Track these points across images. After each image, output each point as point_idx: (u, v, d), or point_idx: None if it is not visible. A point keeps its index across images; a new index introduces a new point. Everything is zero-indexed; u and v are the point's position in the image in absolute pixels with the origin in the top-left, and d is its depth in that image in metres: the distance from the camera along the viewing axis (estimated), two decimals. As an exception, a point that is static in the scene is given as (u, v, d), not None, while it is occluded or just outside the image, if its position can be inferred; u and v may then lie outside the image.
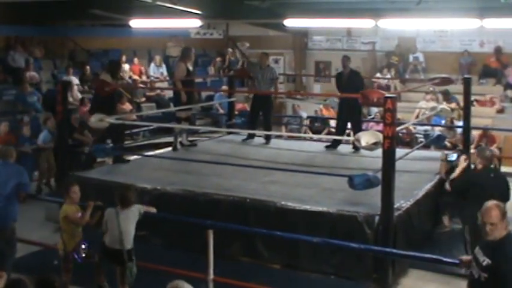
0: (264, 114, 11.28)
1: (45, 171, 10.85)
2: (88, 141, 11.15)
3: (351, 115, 10.29)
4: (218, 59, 18.53)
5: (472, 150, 11.09)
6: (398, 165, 7.16)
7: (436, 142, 10.79)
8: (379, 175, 6.93)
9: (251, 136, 11.34)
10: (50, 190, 10.73)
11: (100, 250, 6.22)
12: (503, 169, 12.19)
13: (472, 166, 7.63)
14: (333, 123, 14.74)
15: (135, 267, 6.06)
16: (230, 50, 18.55)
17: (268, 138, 11.23)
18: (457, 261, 5.14)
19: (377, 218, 6.85)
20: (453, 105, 13.73)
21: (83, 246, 6.26)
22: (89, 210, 6.32)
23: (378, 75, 16.59)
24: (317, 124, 14.96)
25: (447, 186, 7.30)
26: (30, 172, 10.30)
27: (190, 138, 11.28)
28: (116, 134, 9.69)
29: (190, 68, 10.60)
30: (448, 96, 14.21)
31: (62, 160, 9.18)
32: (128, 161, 9.78)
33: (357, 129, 9.89)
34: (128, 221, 6.06)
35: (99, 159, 10.81)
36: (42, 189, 10.76)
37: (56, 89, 9.76)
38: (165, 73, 16.74)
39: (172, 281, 4.01)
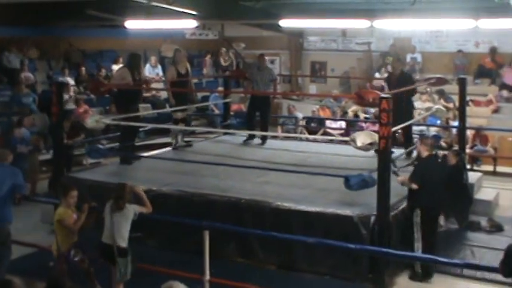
0: (261, 115, 11.25)
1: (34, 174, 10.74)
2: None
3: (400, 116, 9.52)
4: (208, 56, 18.50)
5: (467, 150, 11.16)
6: (400, 165, 7.19)
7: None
8: (375, 175, 6.93)
9: (251, 137, 11.25)
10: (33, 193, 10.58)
11: (97, 246, 6.21)
12: (498, 169, 12.28)
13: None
14: (328, 123, 14.81)
15: (130, 266, 6.04)
16: (224, 49, 18.53)
17: (264, 138, 11.22)
18: (452, 261, 5.17)
19: (373, 218, 6.86)
20: (451, 105, 13.77)
21: (75, 249, 6.25)
22: (84, 213, 6.30)
23: (377, 75, 16.60)
24: (313, 124, 14.98)
25: (403, 177, 7.24)
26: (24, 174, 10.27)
27: (185, 139, 11.26)
28: (130, 132, 9.78)
29: (182, 70, 10.46)
30: (444, 96, 14.25)
31: (57, 161, 9.13)
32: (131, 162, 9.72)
33: (405, 130, 9.71)
34: (121, 219, 6.08)
35: (94, 160, 10.80)
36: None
37: (52, 90, 9.71)
38: (161, 74, 16.72)
39: (167, 281, 4.01)
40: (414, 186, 7.03)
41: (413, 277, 7.02)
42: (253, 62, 14.64)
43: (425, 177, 7.01)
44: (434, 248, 6.83)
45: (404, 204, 7.44)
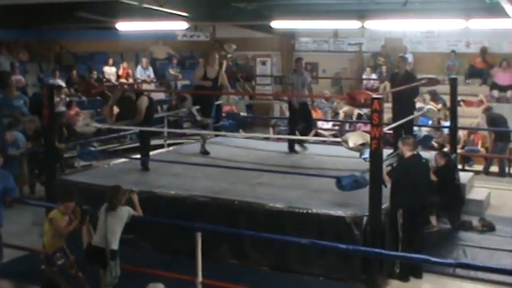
0: (306, 121, 10.81)
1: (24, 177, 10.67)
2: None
3: (402, 116, 9.37)
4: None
5: (458, 150, 11.20)
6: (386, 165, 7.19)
7: (423, 142, 10.80)
8: (367, 176, 6.94)
9: (293, 145, 10.61)
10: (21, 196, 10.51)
11: (85, 249, 6.18)
12: (492, 168, 12.35)
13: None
14: (320, 124, 14.82)
15: (119, 269, 6.03)
16: (230, 56, 18.48)
17: (302, 142, 10.63)
18: (445, 261, 5.17)
19: (365, 218, 6.86)
20: (439, 105, 13.82)
21: (60, 253, 6.21)
22: (77, 219, 6.25)
23: (363, 76, 16.67)
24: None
25: (385, 176, 7.20)
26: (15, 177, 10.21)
27: (178, 141, 11.22)
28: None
29: (211, 74, 10.06)
30: (435, 97, 14.30)
31: (49, 164, 9.07)
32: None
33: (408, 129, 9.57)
34: (115, 221, 6.05)
35: (85, 163, 10.77)
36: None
37: (43, 92, 9.66)
38: (152, 75, 16.69)
39: (154, 282, 3.99)
40: (388, 181, 6.96)
41: (391, 275, 7.03)
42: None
43: (406, 177, 6.98)
44: (415, 249, 6.73)
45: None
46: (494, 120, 12.45)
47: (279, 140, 12.35)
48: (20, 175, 10.33)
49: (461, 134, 12.52)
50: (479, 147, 13.00)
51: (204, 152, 10.31)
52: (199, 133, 10.60)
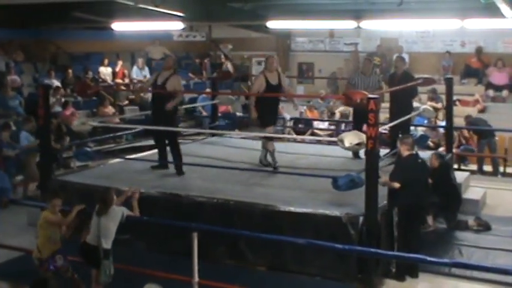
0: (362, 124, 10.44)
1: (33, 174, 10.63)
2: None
3: (399, 116, 9.28)
4: (206, 59, 18.49)
5: (453, 150, 11.22)
6: (382, 165, 7.19)
7: (419, 142, 10.82)
8: (363, 176, 6.94)
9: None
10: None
11: (79, 247, 6.18)
12: (485, 168, 12.37)
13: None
14: (316, 124, 14.83)
15: (113, 268, 6.03)
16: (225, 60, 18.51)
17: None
18: (440, 261, 5.18)
19: (361, 218, 6.87)
20: (439, 105, 13.85)
21: (58, 256, 6.16)
22: (74, 212, 6.25)
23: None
24: (300, 125, 14.99)
25: (385, 178, 7.16)
26: (13, 177, 10.20)
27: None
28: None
29: (273, 81, 8.99)
30: (434, 95, 14.33)
31: (45, 164, 9.07)
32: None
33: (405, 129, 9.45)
34: (108, 221, 6.06)
35: (81, 163, 10.75)
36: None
37: (38, 92, 9.63)
38: (148, 76, 16.63)
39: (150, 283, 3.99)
40: (396, 185, 6.95)
41: (387, 274, 7.04)
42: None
43: (404, 176, 6.99)
44: (412, 248, 6.73)
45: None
46: (473, 124, 12.86)
47: (274, 139, 12.30)
48: (28, 172, 10.30)
49: (456, 133, 12.54)
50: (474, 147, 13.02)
51: (270, 165, 9.18)
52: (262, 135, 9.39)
